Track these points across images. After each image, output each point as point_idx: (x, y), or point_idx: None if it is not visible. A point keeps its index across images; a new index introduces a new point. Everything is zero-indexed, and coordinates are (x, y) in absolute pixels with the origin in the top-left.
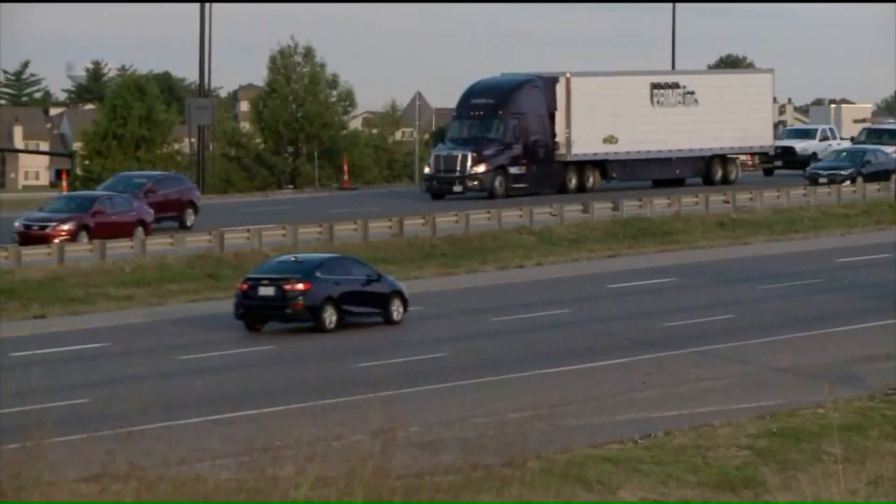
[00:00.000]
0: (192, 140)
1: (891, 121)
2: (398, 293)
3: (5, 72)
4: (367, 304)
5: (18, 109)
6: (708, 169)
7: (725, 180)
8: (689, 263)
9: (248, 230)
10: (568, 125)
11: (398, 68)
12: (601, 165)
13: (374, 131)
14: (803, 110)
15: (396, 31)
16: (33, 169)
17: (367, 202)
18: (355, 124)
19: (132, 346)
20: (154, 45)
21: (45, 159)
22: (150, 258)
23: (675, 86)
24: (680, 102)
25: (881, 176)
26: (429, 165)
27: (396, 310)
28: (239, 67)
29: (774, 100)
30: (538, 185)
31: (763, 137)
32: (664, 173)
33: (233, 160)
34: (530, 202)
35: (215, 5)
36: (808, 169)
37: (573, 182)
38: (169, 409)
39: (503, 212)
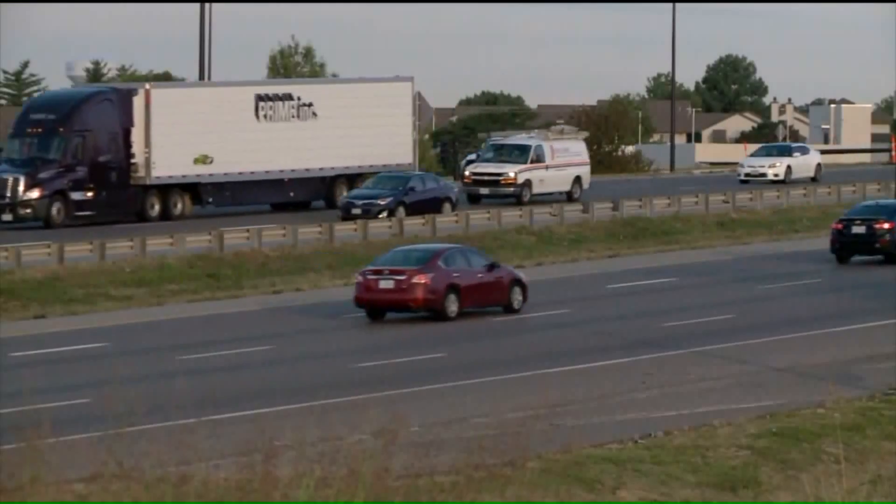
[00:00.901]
0: None
1: (522, 135)
2: None
3: (5, 72)
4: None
5: (18, 109)
6: (331, 191)
7: None
8: (689, 263)
9: (248, 230)
10: (147, 144)
11: (398, 68)
12: (193, 189)
13: None
14: (803, 110)
15: (396, 31)
16: None
17: None
18: None
19: (132, 346)
20: (154, 45)
21: None
22: (150, 258)
23: (288, 97)
24: (293, 116)
25: (429, 206)
26: None
27: None
28: (239, 67)
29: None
30: (109, 212)
31: (401, 154)
32: (276, 196)
33: None
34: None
35: (215, 5)
36: (340, 198)
37: (156, 208)
38: (168, 409)
39: (503, 212)
